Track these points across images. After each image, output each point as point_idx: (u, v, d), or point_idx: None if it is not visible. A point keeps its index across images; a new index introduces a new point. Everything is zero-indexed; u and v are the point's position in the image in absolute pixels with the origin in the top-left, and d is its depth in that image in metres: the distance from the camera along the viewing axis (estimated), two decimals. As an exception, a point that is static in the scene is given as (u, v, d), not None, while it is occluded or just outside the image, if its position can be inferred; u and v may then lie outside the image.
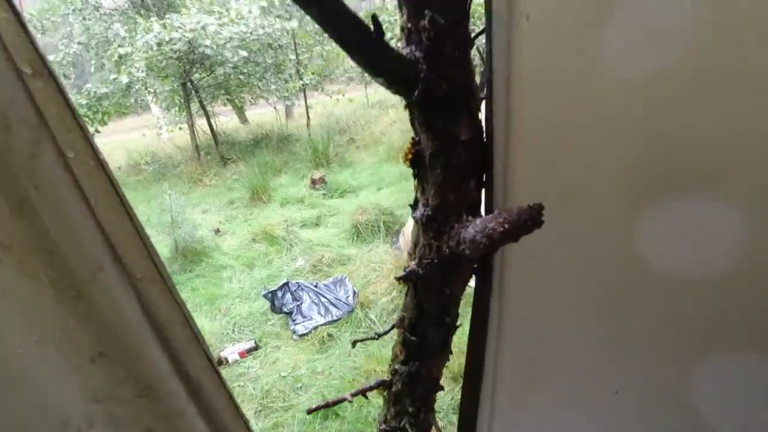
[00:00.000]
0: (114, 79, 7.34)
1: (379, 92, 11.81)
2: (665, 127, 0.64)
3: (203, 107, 8.75)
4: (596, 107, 0.64)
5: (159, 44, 6.93)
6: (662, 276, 0.74)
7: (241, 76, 8.39)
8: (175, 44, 6.96)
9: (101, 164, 0.45)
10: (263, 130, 9.88)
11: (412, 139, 0.66)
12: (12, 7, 0.41)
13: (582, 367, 0.83)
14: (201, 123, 9.06)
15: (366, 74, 0.56)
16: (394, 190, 5.90)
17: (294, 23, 8.23)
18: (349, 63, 10.84)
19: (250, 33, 7.59)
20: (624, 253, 0.74)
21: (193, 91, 8.41)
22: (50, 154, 0.38)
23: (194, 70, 7.97)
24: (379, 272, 4.00)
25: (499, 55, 0.61)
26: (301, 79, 9.08)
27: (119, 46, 7.39)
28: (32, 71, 0.41)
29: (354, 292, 3.77)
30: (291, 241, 4.85)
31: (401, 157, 0.67)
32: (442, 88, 0.59)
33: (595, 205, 0.70)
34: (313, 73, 9.49)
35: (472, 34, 0.62)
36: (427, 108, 0.60)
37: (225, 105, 10.22)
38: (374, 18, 0.51)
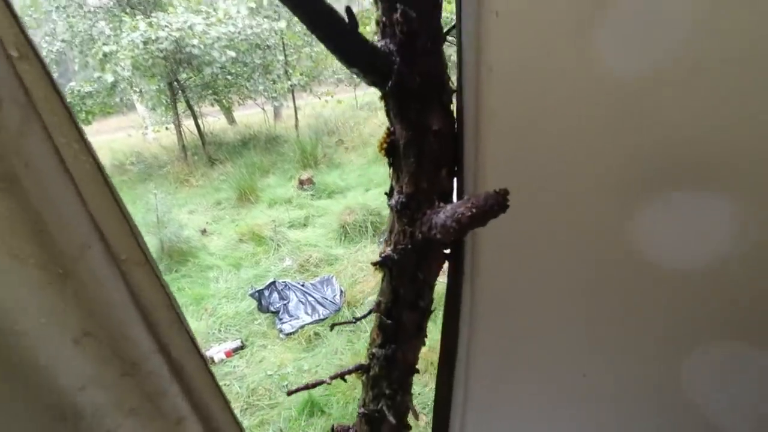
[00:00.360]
0: (98, 78, 7.25)
1: (368, 94, 11.85)
2: (631, 115, 0.68)
3: (190, 107, 8.69)
4: (562, 98, 0.68)
5: (145, 43, 6.87)
6: (631, 261, 0.78)
7: (229, 77, 8.36)
8: (161, 43, 6.91)
9: (87, 147, 0.48)
10: (251, 131, 9.84)
11: (388, 128, 0.69)
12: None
13: (551, 350, 0.87)
14: (188, 123, 8.99)
15: (343, 65, 0.59)
16: (382, 191, 5.90)
17: (282, 24, 8.23)
18: (338, 65, 10.87)
19: (238, 33, 7.57)
20: (593, 238, 0.78)
21: (179, 91, 8.35)
22: (38, 133, 0.41)
23: (181, 69, 7.91)
24: (366, 272, 4.03)
25: (468, 49, 0.65)
26: (290, 80, 9.07)
27: (104, 44, 7.31)
28: (19, 54, 0.43)
29: (341, 292, 3.79)
30: (278, 242, 4.85)
31: (377, 146, 0.70)
32: (414, 80, 0.62)
33: (563, 191, 0.74)
34: (301, 74, 9.48)
35: (444, 29, 0.66)
36: (401, 99, 0.63)
37: (212, 105, 10.16)
38: (348, 9, 0.54)
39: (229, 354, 3.29)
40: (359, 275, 4.02)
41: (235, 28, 7.49)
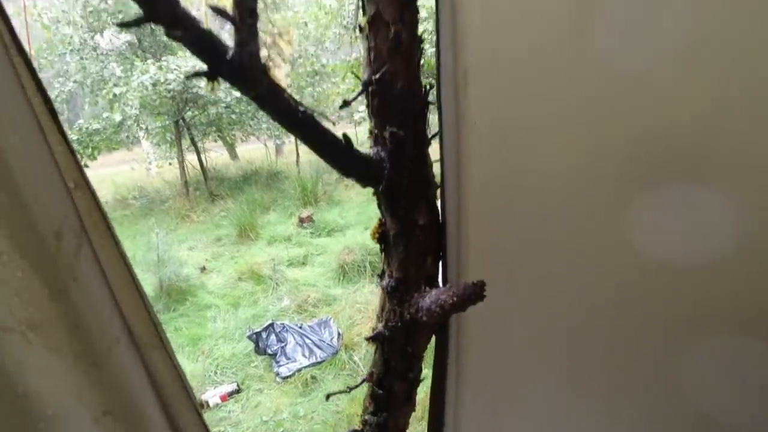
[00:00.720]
0: (107, 117, 7.50)
1: (367, 131, 12.16)
2: (597, 205, 0.76)
3: (194, 143, 8.93)
4: (531, 195, 0.78)
5: (154, 84, 7.16)
6: (610, 331, 0.85)
7: (233, 115, 8.64)
8: (169, 84, 7.20)
9: (122, 255, 0.56)
10: (253, 167, 10.05)
11: (379, 219, 0.78)
12: (63, 135, 0.53)
13: (536, 418, 0.93)
14: (191, 158, 9.21)
15: (340, 175, 0.68)
16: (380, 230, 6.01)
17: (287, 67, 8.60)
18: (340, 103, 11.28)
19: (244, 75, 7.88)
20: (566, 319, 0.85)
21: (185, 128, 8.61)
22: (88, 255, 0.49)
23: (187, 108, 8.19)
24: (364, 313, 4.05)
25: (449, 155, 0.75)
26: (292, 118, 9.34)
27: (114, 85, 7.60)
28: (75, 185, 0.52)
29: (339, 334, 3.80)
30: (277, 281, 4.89)
31: (370, 234, 0.79)
32: (403, 182, 0.72)
33: (536, 274, 0.82)
34: (303, 113, 9.77)
35: (429, 135, 0.76)
36: (391, 198, 0.73)
37: (216, 141, 10.43)
38: (345, 136, 0.64)
39: (224, 398, 3.27)
40: (357, 317, 4.04)
41: (242, 71, 7.80)
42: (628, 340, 0.84)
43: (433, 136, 0.77)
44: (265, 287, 4.84)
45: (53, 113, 0.53)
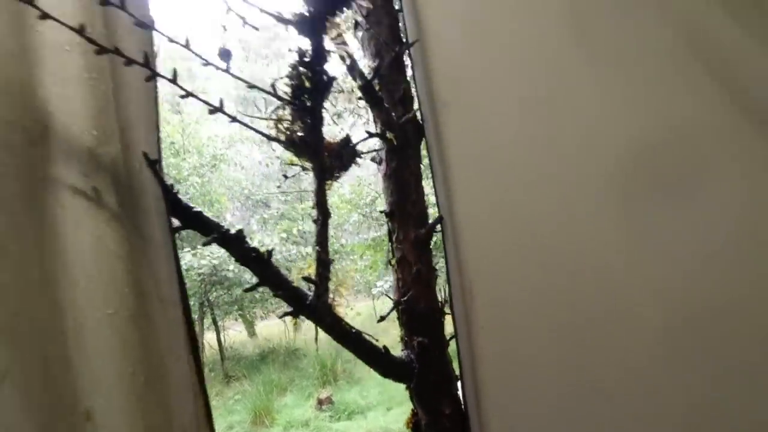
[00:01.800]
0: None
1: (386, 306, 12.37)
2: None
3: (215, 323, 9.15)
4: (538, 382, 0.94)
5: (187, 270, 7.81)
6: None
7: (257, 295, 9.07)
8: (201, 269, 7.84)
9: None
10: (271, 344, 9.99)
11: (412, 410, 0.93)
12: (204, 394, 0.75)
13: None
14: (210, 337, 9.30)
15: (380, 375, 0.87)
16: (404, 411, 5.66)
17: (309, 249, 9.41)
18: (358, 278, 11.87)
19: (270, 258, 8.60)
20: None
21: (208, 308, 8.97)
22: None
23: (213, 289, 8.70)
24: None
25: (465, 354, 0.94)
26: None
27: (151, 272, 8.29)
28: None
29: None
30: (292, 478, 4.44)
31: (404, 424, 0.93)
32: (430, 378, 0.90)
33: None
34: (323, 288, 10.20)
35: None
36: (421, 392, 0.90)
37: (236, 320, 10.66)
38: (384, 347, 0.85)
39: None
40: None
41: (268, 255, 8.55)
42: None
43: (450, 339, 0.98)
44: (278, 487, 4.37)
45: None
